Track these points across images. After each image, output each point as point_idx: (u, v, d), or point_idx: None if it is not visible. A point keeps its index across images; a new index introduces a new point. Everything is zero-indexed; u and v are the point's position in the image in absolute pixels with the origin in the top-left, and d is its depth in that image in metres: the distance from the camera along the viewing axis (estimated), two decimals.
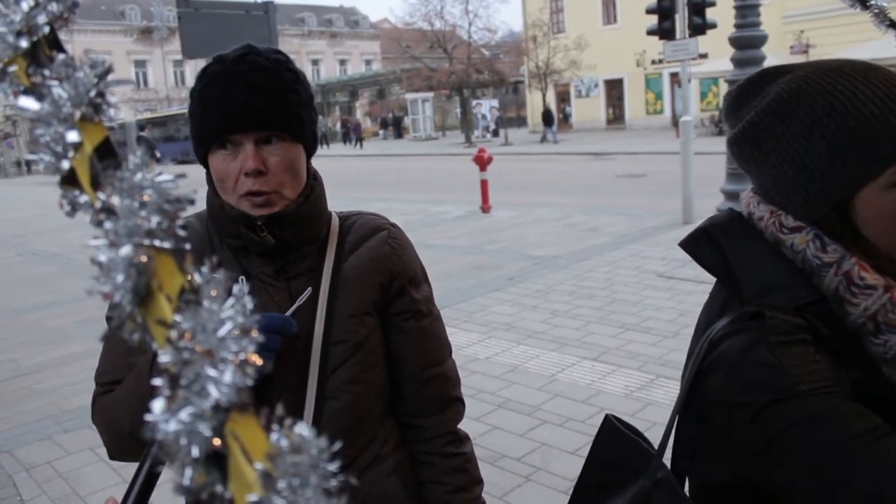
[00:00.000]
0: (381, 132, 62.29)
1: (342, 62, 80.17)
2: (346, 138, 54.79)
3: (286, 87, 1.44)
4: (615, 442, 1.44)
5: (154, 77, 66.94)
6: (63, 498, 4.45)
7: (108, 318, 1.56)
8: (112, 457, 1.49)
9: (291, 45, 71.34)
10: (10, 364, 7.18)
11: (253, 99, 1.39)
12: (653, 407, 4.98)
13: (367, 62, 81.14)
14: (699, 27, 12.00)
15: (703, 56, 14.01)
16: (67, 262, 12.88)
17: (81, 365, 6.78)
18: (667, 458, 1.32)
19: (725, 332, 1.21)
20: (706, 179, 13.74)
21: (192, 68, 64.64)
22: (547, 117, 39.19)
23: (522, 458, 4.47)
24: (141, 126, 32.93)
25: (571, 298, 7.87)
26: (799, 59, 31.59)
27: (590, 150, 30.22)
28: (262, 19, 10.33)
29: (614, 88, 45.77)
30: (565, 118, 49.42)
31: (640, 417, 4.79)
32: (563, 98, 49.27)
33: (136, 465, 1.32)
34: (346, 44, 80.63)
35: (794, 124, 1.19)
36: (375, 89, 65.28)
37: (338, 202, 1.64)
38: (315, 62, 76.05)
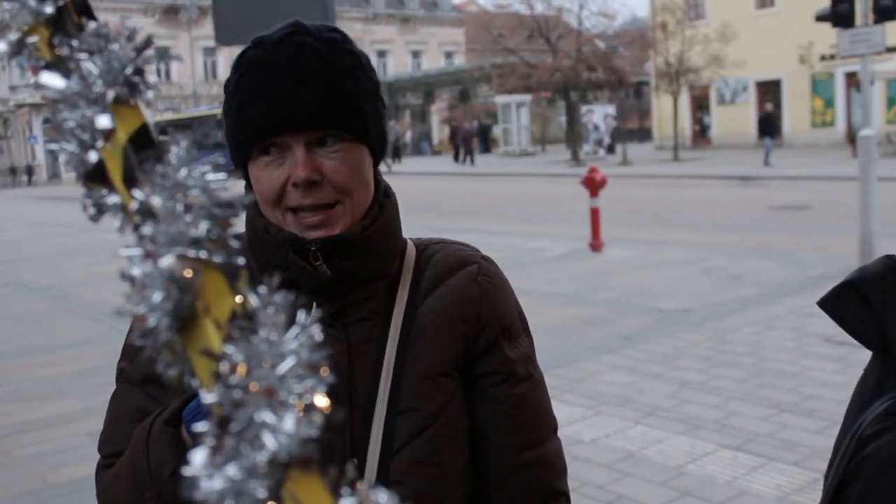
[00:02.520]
0: None
1: (415, 54, 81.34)
2: (457, 152, 50.59)
3: (342, 73, 1.45)
4: None
5: (179, 68, 68.96)
6: None
7: (121, 371, 1.59)
8: None
9: (352, 32, 71.37)
10: None
11: (301, 90, 1.41)
12: None
13: (448, 55, 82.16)
14: (887, 11, 11.73)
15: (893, 50, 13.74)
16: (64, 298, 13.29)
17: (75, 428, 6.95)
18: None
19: (876, 427, 1.17)
20: (893, 213, 13.38)
21: (227, 58, 66.46)
22: (766, 125, 34.54)
23: None
24: (161, 130, 34.00)
25: (707, 366, 7.73)
26: None
27: (734, 174, 29.79)
28: None
29: (769, 92, 45.14)
30: (702, 131, 48.96)
31: None
32: (700, 105, 48.83)
33: None
34: (421, 31, 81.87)
35: None
36: (457, 89, 65.99)
37: (405, 233, 1.65)
38: (381, 53, 77.33)
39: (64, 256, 18.16)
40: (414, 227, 1.64)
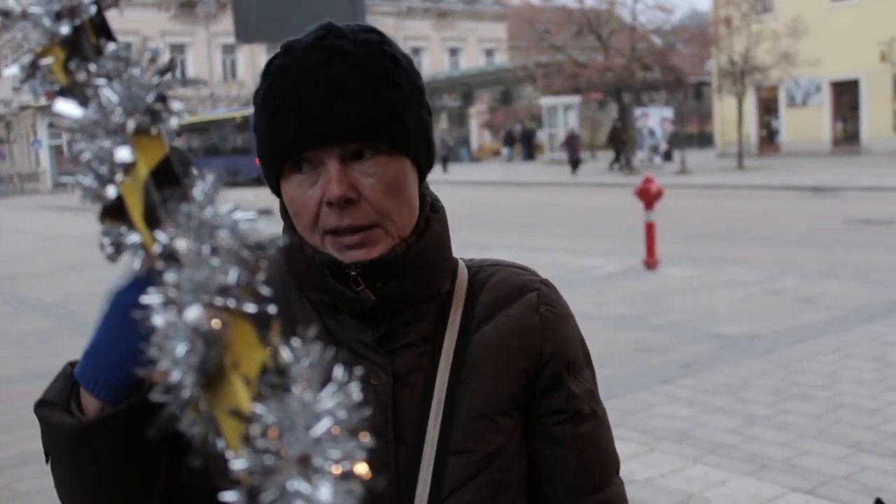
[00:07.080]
0: (504, 151, 62.73)
1: (453, 52, 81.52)
2: (574, 163, 45.03)
3: (379, 79, 1.44)
4: None
5: (195, 67, 69.30)
6: None
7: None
8: None
9: (384, 28, 71.81)
10: None
11: (333, 101, 1.40)
12: None
13: (488, 52, 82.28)
14: None
15: None
16: (70, 317, 13.40)
17: None
18: None
19: None
20: None
21: (247, 57, 66.92)
22: None
23: None
24: (175, 133, 34.24)
25: (776, 399, 7.66)
26: None
27: (807, 184, 29.57)
28: None
29: (846, 94, 44.83)
30: (770, 136, 48.64)
31: None
32: (768, 107, 48.56)
33: None
34: (460, 26, 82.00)
35: None
36: (498, 90, 66.09)
37: None
38: (416, 51, 77.45)
39: (70, 272, 18.31)
40: (452, 242, 1.63)
